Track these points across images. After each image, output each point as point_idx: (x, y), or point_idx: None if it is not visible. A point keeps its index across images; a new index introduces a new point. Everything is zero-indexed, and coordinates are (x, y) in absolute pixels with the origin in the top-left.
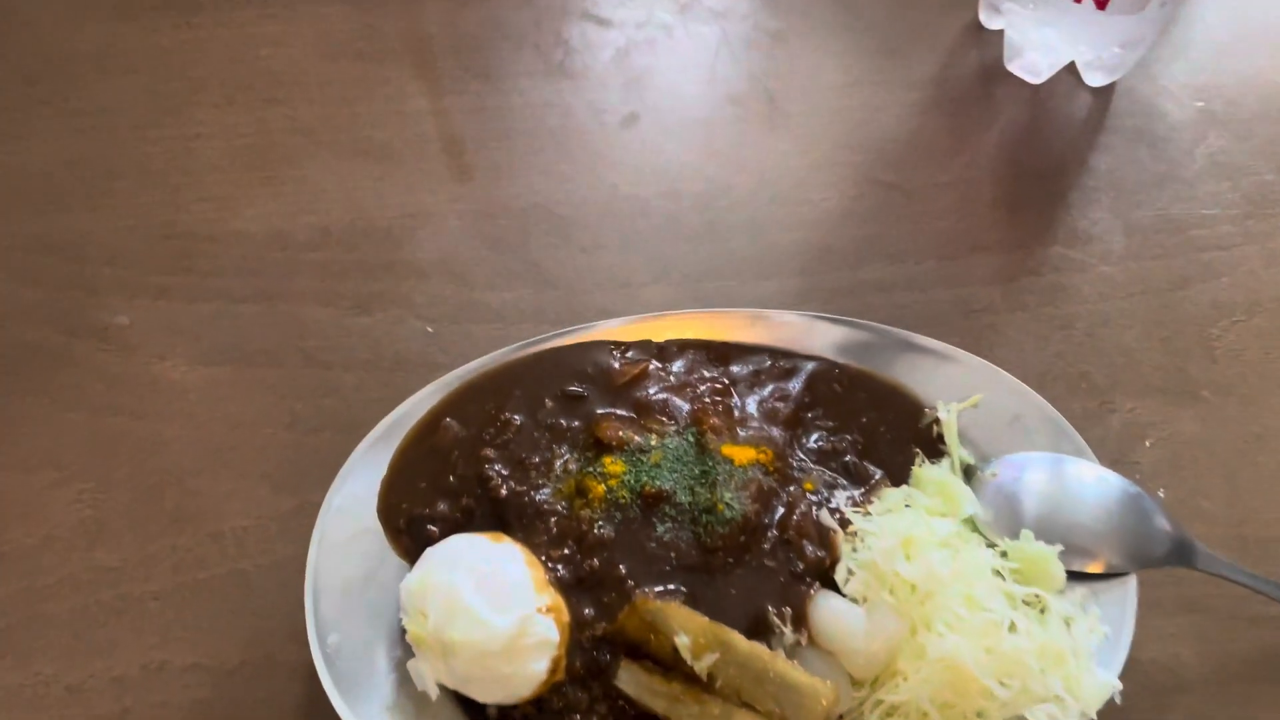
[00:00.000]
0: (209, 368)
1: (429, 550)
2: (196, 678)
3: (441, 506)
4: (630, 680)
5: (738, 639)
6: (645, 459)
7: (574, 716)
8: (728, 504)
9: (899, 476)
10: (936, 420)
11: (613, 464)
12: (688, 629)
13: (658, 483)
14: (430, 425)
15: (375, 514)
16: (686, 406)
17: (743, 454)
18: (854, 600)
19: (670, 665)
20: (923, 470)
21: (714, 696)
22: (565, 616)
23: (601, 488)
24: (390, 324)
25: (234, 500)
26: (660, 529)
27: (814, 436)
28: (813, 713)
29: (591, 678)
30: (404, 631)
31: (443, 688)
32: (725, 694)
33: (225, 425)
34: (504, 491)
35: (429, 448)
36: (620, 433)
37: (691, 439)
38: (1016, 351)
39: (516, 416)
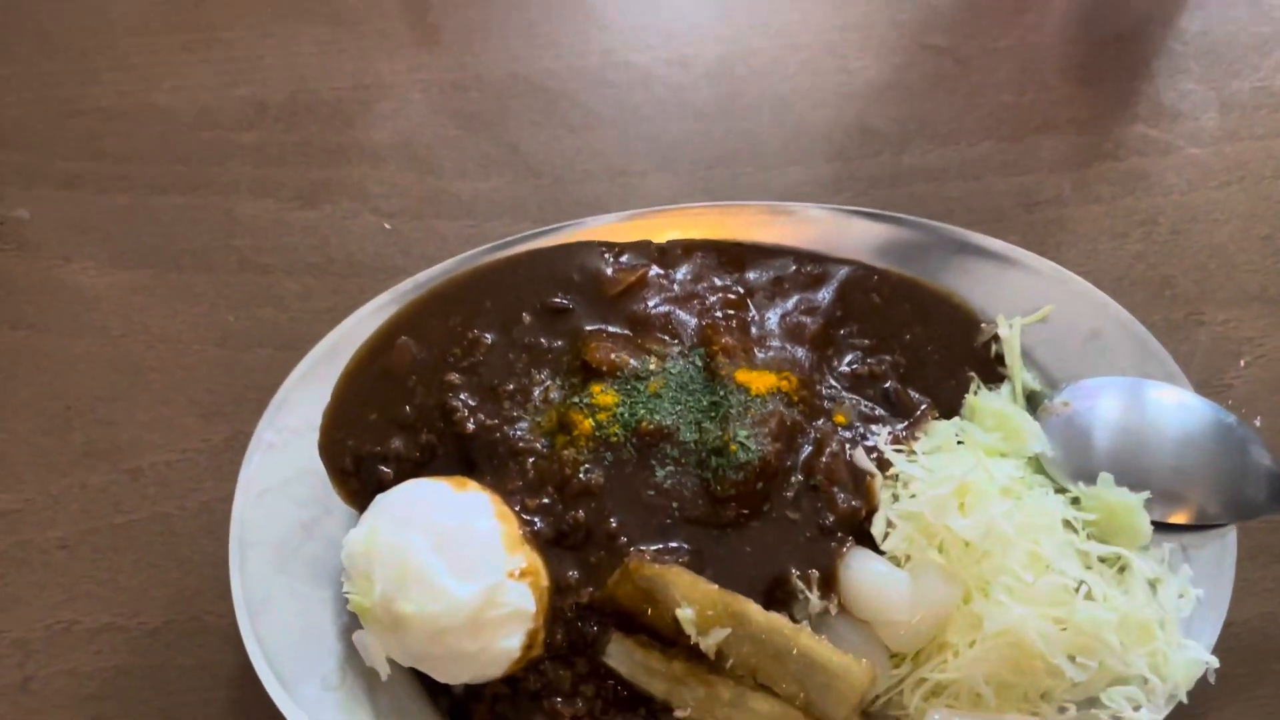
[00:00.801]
0: (124, 271)
1: (378, 499)
2: (110, 641)
3: (396, 444)
4: (622, 657)
5: (753, 609)
6: (642, 387)
7: (554, 699)
8: (742, 443)
9: (949, 406)
10: (995, 338)
11: (603, 393)
12: (692, 597)
13: (657, 417)
14: (383, 344)
15: (316, 451)
16: (693, 322)
17: (761, 380)
18: (894, 560)
19: (670, 640)
20: (979, 399)
21: (723, 678)
22: (544, 581)
23: (589, 422)
24: (340, 219)
25: (155, 431)
26: (660, 474)
27: (847, 358)
28: (844, 697)
29: (576, 654)
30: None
31: (398, 663)
32: (737, 675)
33: (144, 341)
34: (471, 426)
35: (381, 371)
36: (612, 355)
37: (699, 362)
38: (1088, 253)
39: (487, 334)
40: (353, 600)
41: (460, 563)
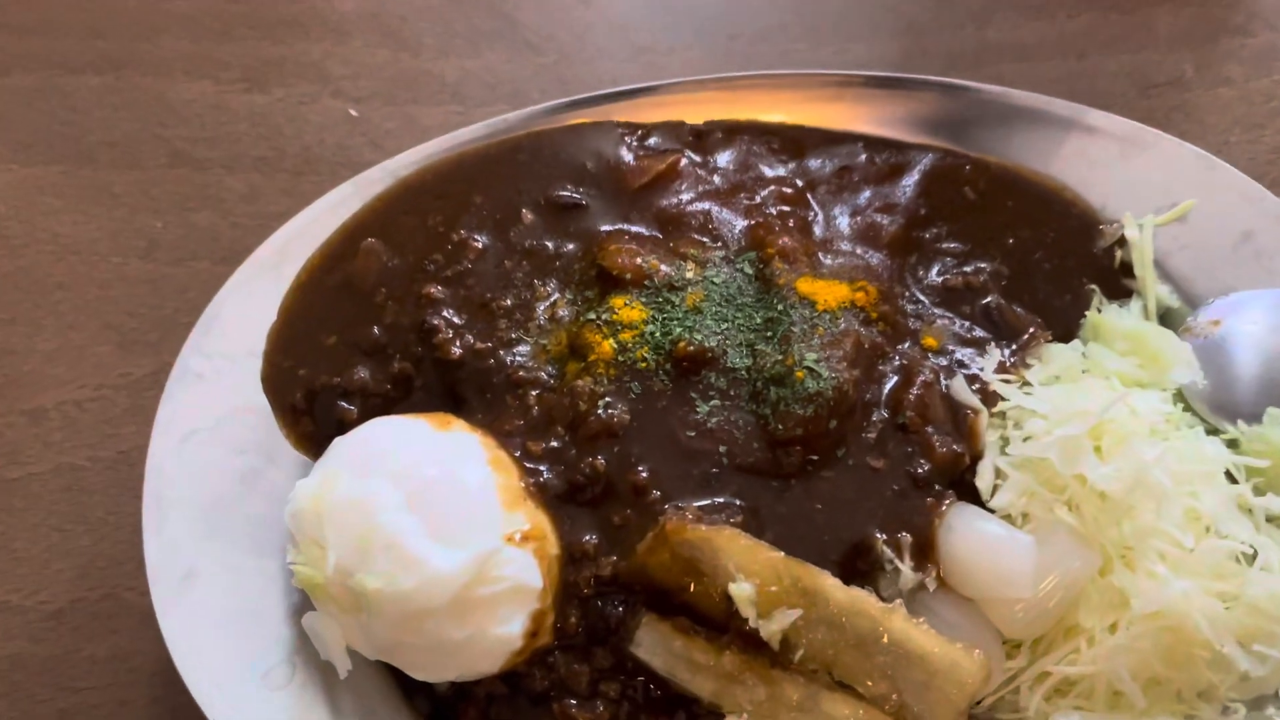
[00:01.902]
0: (26, 168)
1: (336, 442)
2: (5, 623)
3: (361, 374)
4: (656, 647)
5: (830, 584)
6: (677, 300)
7: (567, 702)
8: (811, 368)
9: (1064, 328)
10: (1120, 242)
11: (627, 308)
12: (750, 568)
13: (698, 337)
14: (345, 248)
15: (259, 384)
16: (740, 222)
17: (830, 292)
18: (1008, 521)
19: (720, 625)
20: (1104, 317)
21: (790, 674)
22: (552, 548)
23: (609, 344)
24: (295, 105)
25: (61, 363)
26: (703, 409)
27: (936, 267)
28: (949, 699)
29: (595, 643)
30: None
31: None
32: (808, 670)
33: (50, 252)
34: (457, 350)
35: (343, 283)
36: (638, 259)
37: (748, 269)
38: (1218, 145)
39: (478, 237)
40: (299, 573)
41: (442, 523)
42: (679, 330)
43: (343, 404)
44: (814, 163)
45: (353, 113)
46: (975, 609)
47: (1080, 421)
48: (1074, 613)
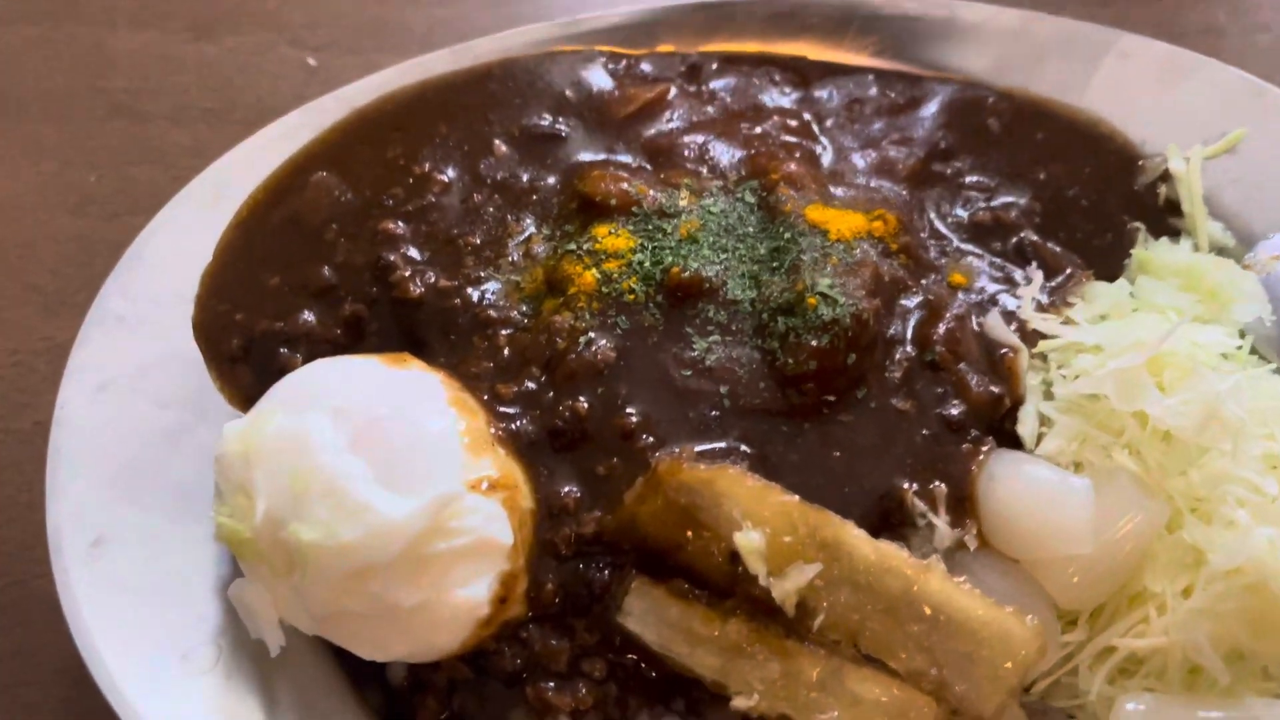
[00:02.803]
0: None
1: (276, 386)
2: None
3: (307, 318)
4: (648, 616)
5: (854, 536)
6: (669, 228)
7: (543, 684)
8: (825, 294)
9: (1105, 269)
10: (1164, 176)
11: (612, 236)
12: (758, 515)
13: (694, 265)
14: (291, 183)
15: (190, 330)
16: (740, 153)
17: (844, 221)
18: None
19: (724, 589)
20: (1154, 252)
21: (808, 646)
22: (525, 500)
23: (591, 275)
24: (248, 56)
25: None
26: (700, 345)
27: (960, 204)
28: (998, 675)
29: (577, 613)
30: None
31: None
32: (829, 640)
33: None
34: (418, 289)
35: (288, 220)
36: (624, 185)
37: (750, 199)
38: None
39: (442, 170)
40: (221, 527)
41: (392, 467)
42: (671, 259)
43: (285, 351)
44: (821, 94)
45: (311, 62)
46: (1023, 573)
47: (1138, 352)
48: (1139, 576)
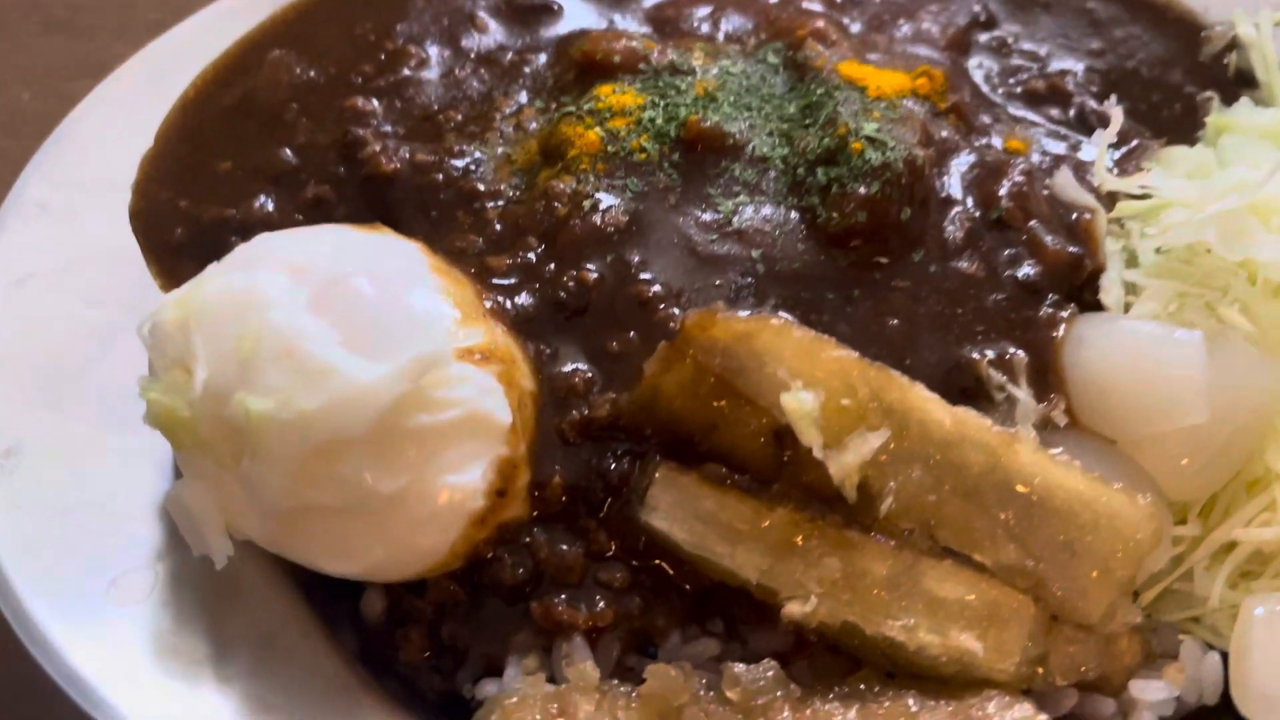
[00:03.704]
0: None
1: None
2: None
3: (264, 202)
4: (678, 510)
5: (925, 399)
6: (683, 85)
7: (552, 597)
8: (872, 139)
9: (1174, 141)
10: (1231, 44)
11: (617, 94)
12: (810, 373)
13: (714, 117)
14: (243, 61)
15: (127, 220)
16: (756, 21)
17: (885, 79)
18: None
19: (766, 475)
20: (1233, 116)
21: (874, 539)
22: (526, 380)
23: (595, 134)
24: None
25: None
26: (725, 207)
27: (1008, 72)
28: (1108, 569)
29: (590, 511)
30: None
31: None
32: (899, 531)
33: None
34: (392, 163)
35: (242, 101)
36: (630, 42)
37: (774, 59)
38: None
39: (421, 44)
40: (152, 404)
41: (362, 329)
42: (685, 113)
43: (237, 240)
44: None
45: None
46: (1123, 455)
47: (1241, 194)
48: (1259, 457)
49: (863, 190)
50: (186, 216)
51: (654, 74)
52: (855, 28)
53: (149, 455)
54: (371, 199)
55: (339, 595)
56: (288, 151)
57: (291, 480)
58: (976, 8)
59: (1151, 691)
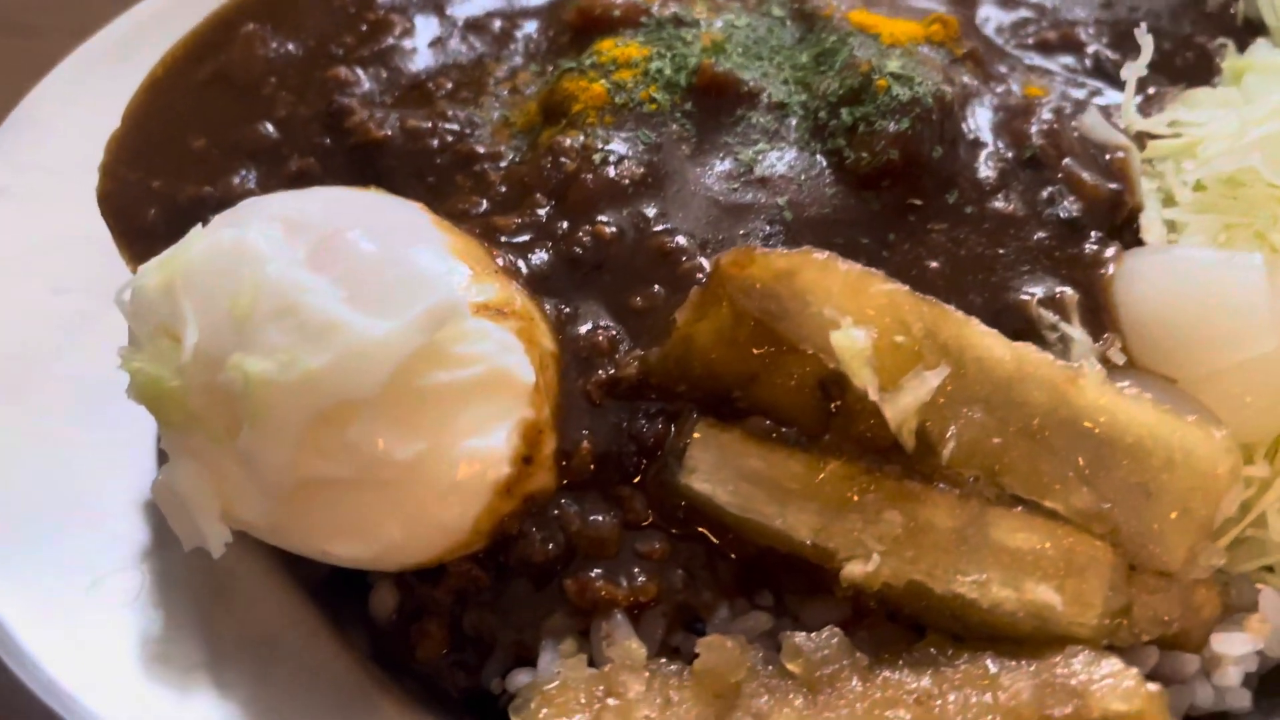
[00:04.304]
0: None
1: None
2: None
3: (244, 177)
4: (719, 470)
5: (982, 334)
6: (689, 36)
7: (586, 573)
8: (897, 75)
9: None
10: None
11: (619, 48)
12: (860, 310)
13: (726, 64)
14: (217, 36)
15: (96, 203)
16: None
17: (897, 26)
18: None
19: (813, 429)
20: (1252, 57)
21: (936, 489)
22: (546, 339)
23: (601, 86)
24: None
25: None
26: (746, 155)
27: (1010, 20)
28: (1188, 509)
29: (623, 478)
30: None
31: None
32: (963, 480)
33: None
34: (382, 130)
35: (216, 76)
36: None
37: (779, 11)
38: None
39: (407, 14)
40: (136, 375)
41: (366, 285)
42: (695, 63)
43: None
44: None
45: None
46: (1185, 394)
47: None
48: None
49: (893, 127)
50: (160, 197)
51: (657, 26)
52: None
53: (128, 447)
54: (361, 169)
55: (344, 595)
56: (268, 125)
57: (296, 451)
58: None
59: (1234, 645)
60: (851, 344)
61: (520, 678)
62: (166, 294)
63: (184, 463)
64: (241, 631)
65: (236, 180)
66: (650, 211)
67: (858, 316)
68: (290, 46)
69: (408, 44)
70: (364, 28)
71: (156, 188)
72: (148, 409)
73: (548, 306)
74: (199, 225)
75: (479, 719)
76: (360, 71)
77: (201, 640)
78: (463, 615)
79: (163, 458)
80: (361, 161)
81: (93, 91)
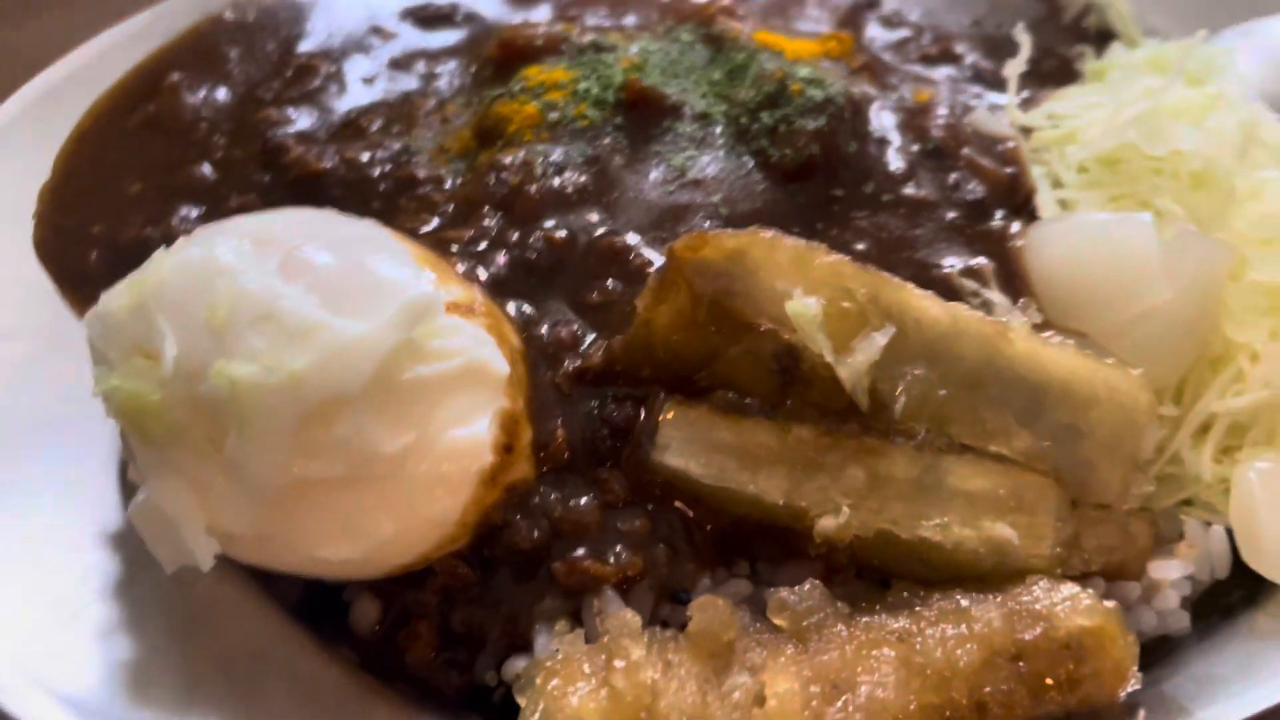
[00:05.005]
0: None
1: None
2: None
3: (186, 214)
4: (691, 444)
5: (921, 297)
6: (610, 60)
7: (574, 555)
8: (809, 79)
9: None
10: (1086, 8)
11: (545, 72)
12: (808, 280)
13: (649, 80)
14: (143, 86)
15: (32, 250)
16: (658, 13)
17: (798, 45)
18: None
19: (773, 397)
20: (1112, 58)
21: (893, 443)
22: (512, 337)
23: (534, 107)
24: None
25: None
26: (677, 161)
27: (893, 38)
28: (1117, 444)
29: (599, 461)
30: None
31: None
32: (915, 433)
33: None
34: (324, 163)
35: (144, 123)
36: (556, 26)
37: (688, 36)
38: None
39: (331, 59)
40: (114, 393)
41: (339, 290)
42: (620, 79)
43: None
44: None
45: None
46: (1097, 345)
47: (1150, 98)
48: (1216, 335)
49: (811, 124)
50: (100, 241)
51: (577, 52)
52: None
53: (89, 484)
54: (304, 202)
55: (322, 615)
56: (204, 167)
57: (285, 452)
58: None
59: (1169, 570)
60: (805, 311)
61: (517, 664)
62: (138, 313)
63: (165, 480)
64: (227, 651)
65: (176, 221)
66: (596, 216)
67: (806, 287)
68: (218, 94)
69: (334, 86)
70: (289, 73)
71: (96, 232)
72: (128, 426)
73: (510, 307)
74: (161, 249)
75: (476, 712)
76: (291, 111)
77: (189, 662)
78: (451, 614)
79: (127, 488)
80: (304, 194)
81: (17, 147)
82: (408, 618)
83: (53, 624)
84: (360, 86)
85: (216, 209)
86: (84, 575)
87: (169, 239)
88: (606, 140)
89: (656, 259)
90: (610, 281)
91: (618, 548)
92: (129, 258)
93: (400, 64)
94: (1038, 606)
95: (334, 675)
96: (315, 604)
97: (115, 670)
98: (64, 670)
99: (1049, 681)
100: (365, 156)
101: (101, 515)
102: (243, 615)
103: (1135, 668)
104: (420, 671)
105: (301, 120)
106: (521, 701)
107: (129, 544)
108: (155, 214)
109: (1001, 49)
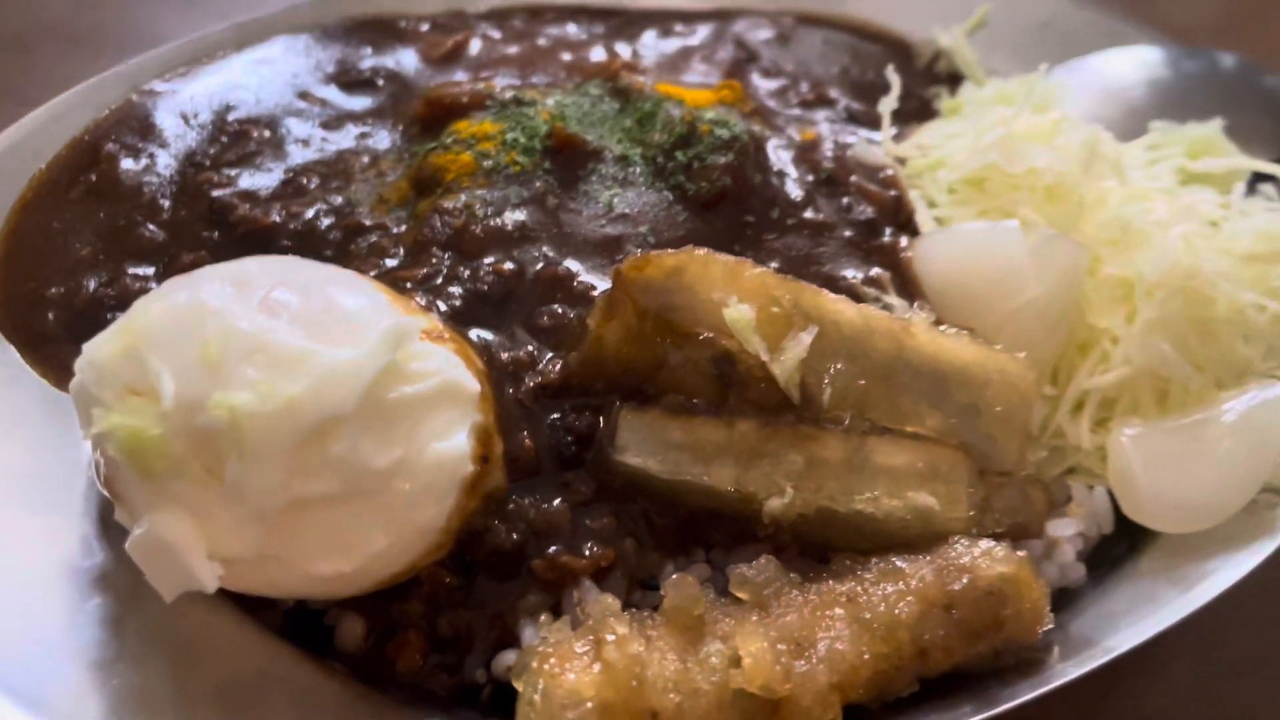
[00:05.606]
0: None
1: None
2: None
3: (139, 272)
4: (648, 444)
5: (832, 300)
6: (531, 112)
7: (551, 552)
8: (716, 121)
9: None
10: (937, 55)
11: (473, 126)
12: (741, 289)
13: (572, 128)
14: (80, 159)
15: None
16: (565, 72)
17: (695, 95)
18: None
19: (716, 400)
20: (964, 95)
21: (825, 428)
22: (478, 360)
23: (469, 155)
24: None
25: None
26: (604, 198)
27: (774, 87)
28: (1009, 416)
29: (566, 466)
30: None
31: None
32: (841, 419)
33: None
34: (272, 217)
35: (87, 192)
36: (476, 86)
37: (596, 90)
38: None
39: (262, 125)
40: (115, 430)
41: (319, 323)
42: (545, 129)
43: (119, 315)
44: (627, 32)
45: None
46: (982, 339)
47: (1006, 124)
48: (1082, 323)
49: (721, 159)
50: (56, 303)
51: (500, 107)
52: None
53: (70, 531)
54: (255, 255)
55: (310, 639)
56: (151, 227)
57: (285, 473)
58: (735, 49)
59: (1064, 528)
60: (741, 316)
61: (506, 659)
62: (129, 357)
63: (166, 511)
64: (225, 675)
65: (129, 279)
66: (539, 250)
67: (738, 296)
68: (159, 161)
69: (269, 150)
70: (224, 139)
71: (51, 295)
72: (129, 462)
73: (472, 334)
74: (141, 299)
75: (472, 708)
76: (230, 173)
77: (190, 690)
78: (437, 620)
79: (110, 529)
80: (254, 248)
81: None
82: (394, 630)
83: (57, 667)
84: (295, 148)
85: (170, 267)
86: (75, 614)
87: (124, 298)
88: (539, 183)
89: (598, 283)
90: (558, 306)
91: (589, 542)
92: (85, 318)
93: (330, 125)
94: (962, 561)
95: (332, 685)
96: (299, 631)
97: (121, 704)
98: (69, 711)
99: (978, 625)
100: (310, 212)
101: (88, 562)
102: (235, 641)
103: (1049, 608)
104: (411, 678)
105: (243, 180)
106: (519, 686)
107: (115, 584)
108: (108, 274)
109: (868, 92)
